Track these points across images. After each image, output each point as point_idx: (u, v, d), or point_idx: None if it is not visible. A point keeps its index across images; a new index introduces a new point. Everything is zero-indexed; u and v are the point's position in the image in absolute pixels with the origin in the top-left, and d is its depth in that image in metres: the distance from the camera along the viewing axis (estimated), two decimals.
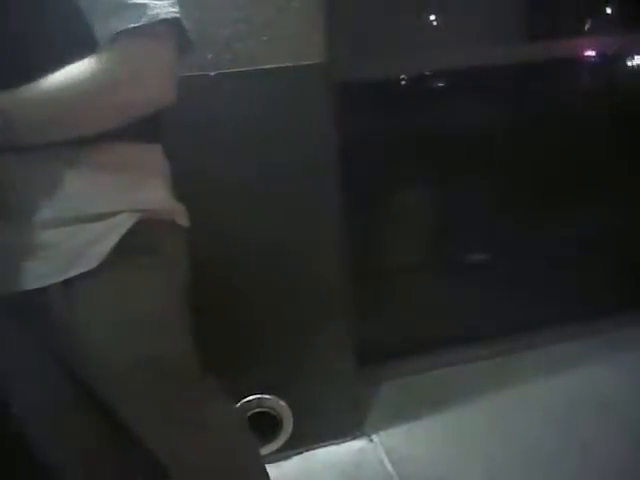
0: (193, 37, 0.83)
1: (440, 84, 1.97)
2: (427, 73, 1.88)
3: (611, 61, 2.09)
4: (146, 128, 0.85)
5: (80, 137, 0.78)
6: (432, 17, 2.02)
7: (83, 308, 0.85)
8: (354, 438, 1.75)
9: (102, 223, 0.83)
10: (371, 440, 1.74)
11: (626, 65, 2.15)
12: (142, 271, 0.88)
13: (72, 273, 0.82)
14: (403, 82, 1.94)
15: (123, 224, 0.84)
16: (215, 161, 1.38)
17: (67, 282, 0.82)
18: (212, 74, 1.31)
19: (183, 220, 0.97)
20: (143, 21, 0.73)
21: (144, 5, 0.73)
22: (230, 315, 1.52)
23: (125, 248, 0.84)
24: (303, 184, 1.46)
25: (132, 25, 0.73)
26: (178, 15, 0.77)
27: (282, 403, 1.64)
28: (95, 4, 0.74)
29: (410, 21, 1.91)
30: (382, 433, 1.76)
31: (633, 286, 2.27)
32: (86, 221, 0.82)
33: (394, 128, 1.90)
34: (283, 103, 1.37)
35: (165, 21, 0.75)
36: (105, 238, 0.83)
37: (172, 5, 0.76)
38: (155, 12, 0.73)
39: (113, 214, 0.84)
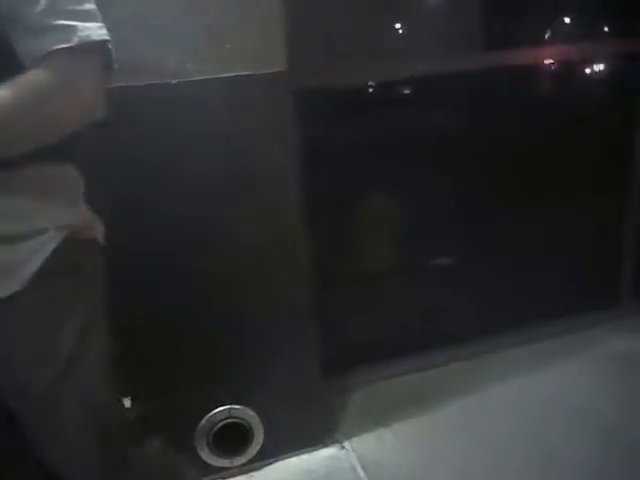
0: (115, 58, 0.86)
1: (402, 91, 2.00)
2: (389, 80, 1.89)
3: (570, 68, 2.15)
4: (64, 147, 0.85)
5: (11, 156, 0.77)
6: (397, 25, 2.05)
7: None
8: (325, 445, 1.74)
9: (26, 243, 0.81)
10: (343, 447, 1.74)
11: (585, 72, 2.21)
12: (63, 296, 0.86)
13: None
14: (369, 89, 1.96)
15: (48, 243, 0.83)
16: (177, 170, 1.37)
17: None
18: (175, 82, 1.30)
19: (101, 237, 0.97)
20: (75, 41, 0.76)
21: (74, 27, 0.76)
22: (196, 326, 1.51)
23: (48, 270, 0.82)
24: (266, 193, 1.45)
25: (66, 45, 0.75)
26: (107, 37, 0.81)
27: (252, 413, 1.62)
28: (19, 24, 0.74)
29: (375, 29, 1.93)
30: (354, 439, 1.76)
31: (596, 287, 2.33)
32: (8, 241, 0.80)
33: (359, 134, 1.91)
34: (245, 111, 1.37)
35: (95, 42, 0.78)
36: (29, 260, 0.81)
37: (100, 28, 0.80)
38: (86, 34, 0.77)
39: (37, 232, 0.82)
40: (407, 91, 2.00)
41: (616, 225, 2.27)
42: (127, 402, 1.50)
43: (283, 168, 1.44)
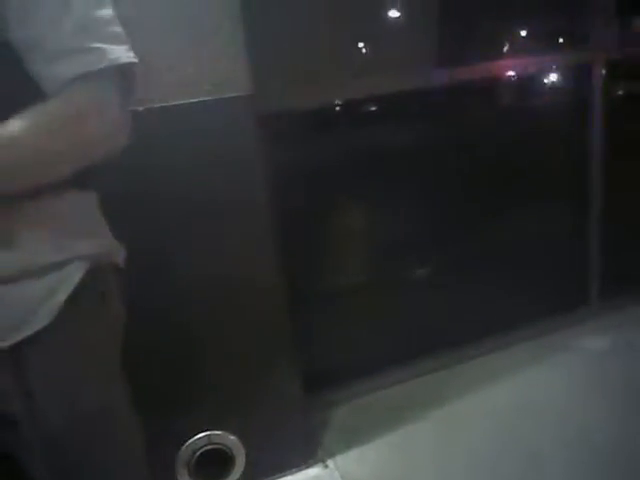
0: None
1: (365, 110, 2.03)
2: (352, 100, 1.93)
3: (527, 81, 2.22)
4: (86, 174, 0.84)
5: (40, 183, 0.75)
6: (360, 45, 2.10)
7: (32, 373, 0.79)
8: (309, 466, 1.73)
9: (51, 276, 0.79)
10: (326, 466, 1.73)
11: (542, 84, 2.29)
12: (91, 325, 0.85)
13: (23, 334, 0.77)
14: (336, 109, 2.00)
15: (73, 274, 0.81)
16: (144, 198, 1.36)
17: (14, 345, 0.77)
18: (141, 109, 1.29)
19: (122, 261, 0.95)
20: (105, 64, 0.74)
21: (103, 49, 0.74)
22: (173, 352, 1.49)
23: (75, 301, 0.80)
24: (235, 217, 1.45)
25: (96, 67, 0.73)
26: (135, 60, 0.79)
27: (232, 438, 1.61)
28: (43, 47, 0.72)
29: (339, 50, 1.96)
30: (337, 458, 1.75)
31: (565, 289, 2.38)
32: (34, 275, 0.78)
33: (327, 152, 1.94)
34: (210, 137, 1.37)
35: (123, 65, 0.77)
36: (56, 292, 0.79)
37: (128, 50, 0.78)
38: (115, 56, 0.75)
39: (62, 264, 0.80)
40: (370, 109, 2.03)
41: (581, 228, 2.33)
42: None
43: (251, 192, 1.45)
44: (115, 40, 0.77)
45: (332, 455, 1.76)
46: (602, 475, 1.57)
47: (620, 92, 2.35)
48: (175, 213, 1.40)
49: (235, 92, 1.35)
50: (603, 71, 2.11)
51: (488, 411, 1.89)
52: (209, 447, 1.59)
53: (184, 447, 1.57)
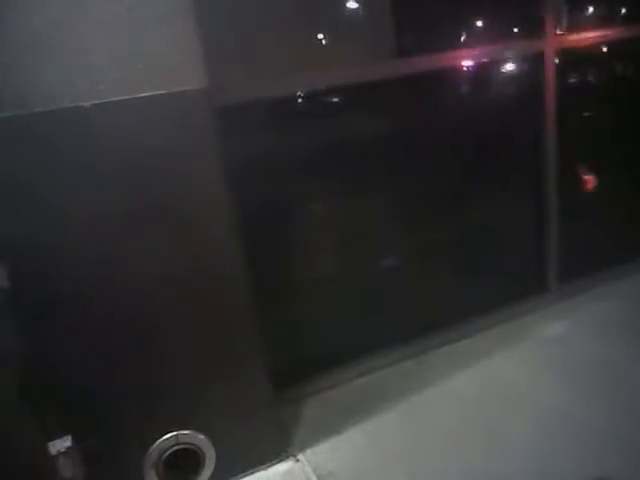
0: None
1: (326, 101, 2.03)
2: (313, 91, 1.91)
3: (482, 70, 2.24)
4: None
5: None
6: (320, 36, 2.09)
7: None
8: (280, 460, 1.73)
9: None
10: (297, 460, 1.73)
11: (498, 72, 2.32)
12: None
13: None
14: (296, 100, 1.98)
15: None
16: (96, 196, 1.33)
17: None
18: (87, 105, 1.26)
19: (5, 283, 0.92)
20: None
21: None
22: (137, 354, 1.47)
23: None
24: (193, 212, 1.42)
25: None
26: None
27: (201, 436, 1.59)
28: None
29: (296, 42, 1.95)
30: (308, 451, 1.76)
31: (525, 277, 2.44)
32: None
33: (288, 145, 1.92)
34: (164, 131, 1.34)
35: None
36: None
37: None
38: None
39: None
40: (332, 100, 2.03)
41: (540, 219, 2.37)
42: (68, 441, 1.45)
43: (209, 186, 1.42)
44: None
45: (303, 449, 1.76)
46: (564, 454, 1.61)
47: (572, 80, 2.40)
48: (128, 212, 1.36)
49: (187, 85, 1.33)
50: (556, 60, 2.16)
51: (454, 398, 1.92)
52: (177, 447, 1.57)
53: (151, 449, 1.54)
